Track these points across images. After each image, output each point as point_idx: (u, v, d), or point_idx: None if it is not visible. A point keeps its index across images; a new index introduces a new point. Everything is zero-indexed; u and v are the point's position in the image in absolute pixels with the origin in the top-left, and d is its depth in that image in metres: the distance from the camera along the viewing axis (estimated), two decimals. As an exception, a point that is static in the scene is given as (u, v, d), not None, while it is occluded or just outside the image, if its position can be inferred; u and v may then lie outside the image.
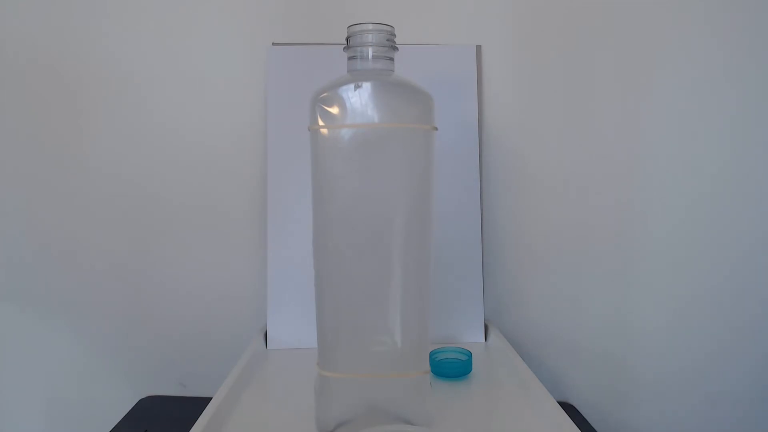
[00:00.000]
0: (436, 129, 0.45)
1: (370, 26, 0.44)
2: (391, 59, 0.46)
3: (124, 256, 0.71)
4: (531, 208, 0.71)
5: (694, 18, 0.69)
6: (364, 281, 0.44)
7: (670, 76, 0.69)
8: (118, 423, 0.63)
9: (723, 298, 0.71)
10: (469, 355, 0.58)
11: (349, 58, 0.45)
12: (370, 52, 0.45)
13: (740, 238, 0.70)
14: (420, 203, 0.45)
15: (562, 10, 0.69)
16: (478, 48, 0.69)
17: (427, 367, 0.46)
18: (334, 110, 0.43)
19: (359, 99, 0.43)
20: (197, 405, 0.48)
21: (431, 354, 0.56)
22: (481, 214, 0.68)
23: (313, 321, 0.46)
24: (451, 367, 0.57)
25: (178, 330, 0.72)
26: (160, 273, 0.71)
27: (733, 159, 0.70)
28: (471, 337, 0.67)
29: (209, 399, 0.49)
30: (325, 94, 0.44)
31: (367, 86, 0.44)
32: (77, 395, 0.74)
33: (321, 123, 0.43)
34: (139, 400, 0.70)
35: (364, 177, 0.44)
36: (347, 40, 0.45)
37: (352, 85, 0.44)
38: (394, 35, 0.46)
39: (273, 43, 0.68)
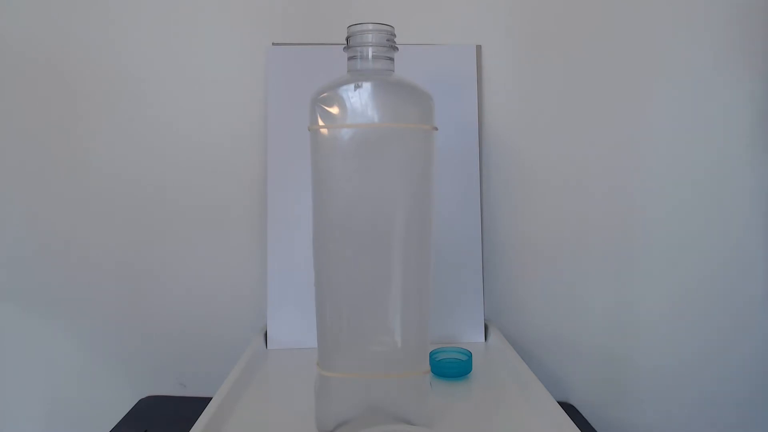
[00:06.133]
0: (436, 129, 0.45)
1: (370, 26, 0.44)
2: (391, 59, 0.46)
3: (124, 256, 0.71)
4: (531, 208, 0.71)
5: (694, 19, 0.69)
6: (364, 281, 0.44)
7: (669, 75, 0.69)
8: (118, 423, 0.63)
9: (723, 296, 0.71)
10: (469, 355, 0.58)
11: (349, 58, 0.45)
12: (370, 52, 0.45)
13: (739, 234, 0.70)
14: (420, 203, 0.45)
15: (562, 11, 0.69)
16: (478, 48, 0.69)
17: (427, 367, 0.46)
18: (334, 110, 0.43)
19: (359, 99, 0.43)
20: (197, 405, 0.48)
21: (431, 354, 0.56)
22: (481, 214, 0.68)
23: (313, 321, 0.46)
24: (451, 367, 0.57)
25: (178, 330, 0.72)
26: (160, 273, 0.71)
27: (732, 157, 0.70)
28: (471, 337, 0.67)
29: (209, 399, 0.49)
30: (325, 94, 0.44)
31: (367, 86, 0.44)
32: (77, 395, 0.74)
33: (321, 123, 0.43)
34: (139, 400, 0.70)
35: (364, 177, 0.44)
36: (347, 40, 0.45)
37: (352, 85, 0.44)
38: (394, 35, 0.45)
39: (273, 43, 0.68)
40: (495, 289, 0.71)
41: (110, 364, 0.73)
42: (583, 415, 0.69)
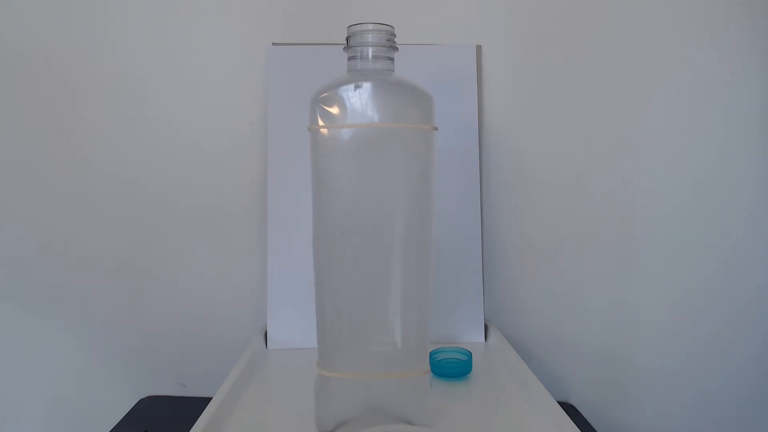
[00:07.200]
0: (436, 129, 0.45)
1: (370, 26, 0.44)
2: (391, 59, 0.46)
3: (124, 256, 0.71)
4: (531, 208, 0.71)
5: (694, 19, 0.69)
6: (364, 281, 0.44)
7: (669, 75, 0.69)
8: (118, 423, 0.63)
9: (723, 296, 0.71)
10: (469, 355, 0.58)
11: (349, 58, 0.45)
12: (370, 52, 0.45)
13: (739, 234, 0.70)
14: (420, 203, 0.45)
15: (562, 11, 0.69)
16: (478, 48, 0.69)
17: (427, 367, 0.46)
18: (334, 110, 0.43)
19: (359, 99, 0.43)
20: (197, 405, 0.48)
21: (431, 354, 0.56)
22: (481, 214, 0.68)
23: (313, 321, 0.46)
24: (451, 367, 0.57)
25: (178, 330, 0.72)
26: (160, 273, 0.71)
27: (732, 157, 0.70)
28: (471, 337, 0.67)
29: (209, 399, 0.49)
30: (325, 94, 0.44)
31: (367, 86, 0.44)
32: (77, 395, 0.74)
33: (321, 123, 0.43)
34: (139, 400, 0.70)
35: (364, 177, 0.44)
36: (347, 40, 0.45)
37: (352, 85, 0.44)
38: (394, 35, 0.45)
39: (273, 43, 0.68)
40: (495, 289, 0.71)
41: (110, 364, 0.73)
42: (583, 415, 0.69)
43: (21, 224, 0.71)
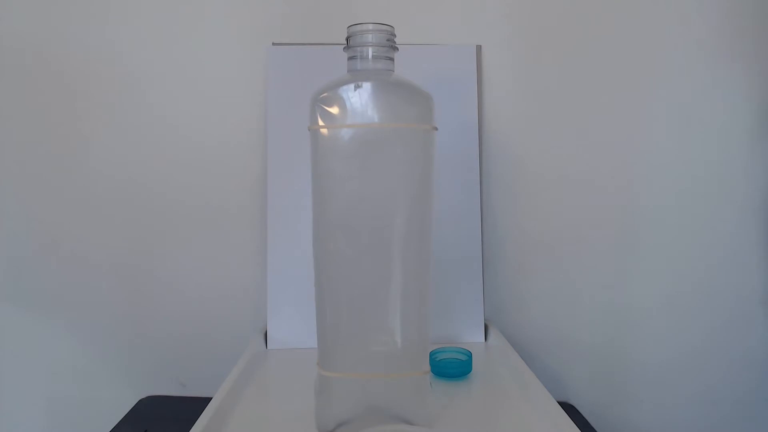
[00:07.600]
0: (436, 129, 0.45)
1: (370, 26, 0.44)
2: (391, 59, 0.46)
3: (124, 256, 0.71)
4: (531, 208, 0.71)
5: (694, 19, 0.69)
6: (364, 281, 0.44)
7: (668, 74, 0.69)
8: (118, 423, 0.63)
9: (724, 294, 0.71)
10: (469, 355, 0.58)
11: (349, 58, 0.45)
12: (370, 52, 0.45)
13: (739, 230, 0.70)
14: (420, 203, 0.45)
15: (562, 11, 0.69)
16: (478, 48, 0.69)
17: (427, 367, 0.46)
18: (334, 110, 0.43)
19: (359, 99, 0.43)
20: (197, 405, 0.48)
21: (431, 354, 0.56)
22: (481, 214, 0.68)
23: (313, 321, 0.46)
24: (451, 367, 0.57)
25: (178, 330, 0.72)
26: (161, 273, 0.71)
27: (730, 154, 0.70)
28: (471, 337, 0.67)
29: (209, 399, 0.49)
30: (325, 94, 0.44)
31: (367, 86, 0.44)
32: (77, 395, 0.74)
33: (321, 123, 0.43)
34: (139, 400, 0.70)
35: (364, 177, 0.44)
36: (347, 40, 0.45)
37: (352, 85, 0.43)
38: (394, 35, 0.45)
39: (273, 43, 0.68)
40: (495, 288, 0.71)
41: (110, 364, 0.73)
42: (583, 415, 0.69)
43: (21, 224, 0.71)
